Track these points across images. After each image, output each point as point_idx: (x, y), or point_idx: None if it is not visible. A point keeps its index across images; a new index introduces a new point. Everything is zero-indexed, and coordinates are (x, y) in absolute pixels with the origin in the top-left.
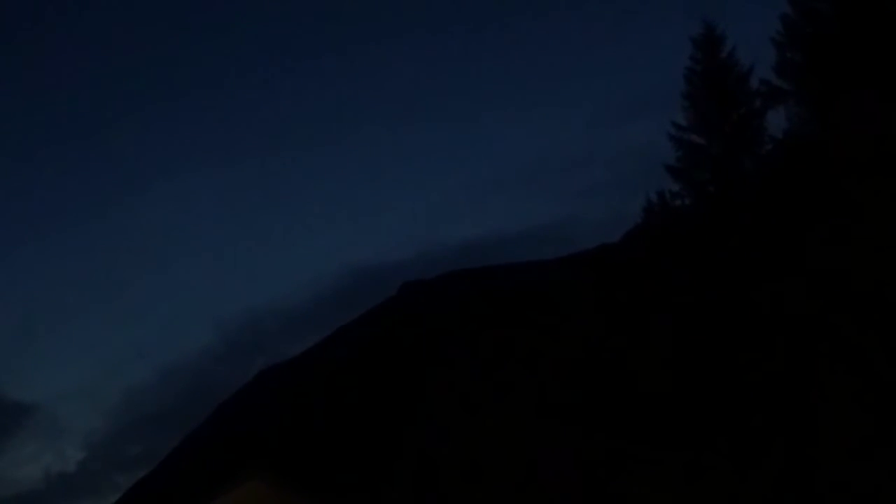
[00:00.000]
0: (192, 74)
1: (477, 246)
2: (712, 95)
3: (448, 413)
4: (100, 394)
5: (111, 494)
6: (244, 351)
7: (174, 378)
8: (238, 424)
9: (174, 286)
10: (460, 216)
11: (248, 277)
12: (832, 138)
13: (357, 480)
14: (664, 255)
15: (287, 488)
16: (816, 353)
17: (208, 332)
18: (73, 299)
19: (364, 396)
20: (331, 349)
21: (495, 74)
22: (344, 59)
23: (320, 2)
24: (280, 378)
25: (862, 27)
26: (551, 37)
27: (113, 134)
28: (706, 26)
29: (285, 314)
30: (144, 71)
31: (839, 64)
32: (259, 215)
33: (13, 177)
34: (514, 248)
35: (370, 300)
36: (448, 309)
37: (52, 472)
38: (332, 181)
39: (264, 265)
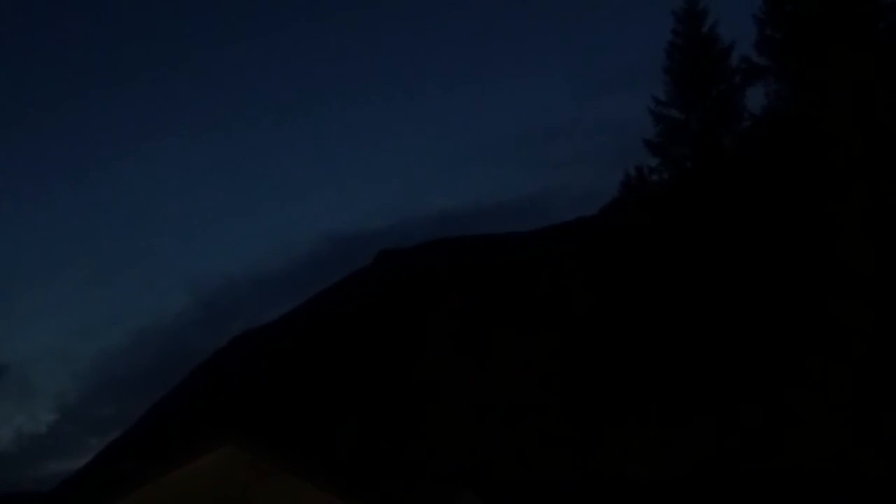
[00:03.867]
0: (175, 44)
1: (455, 215)
2: (693, 70)
3: (425, 382)
4: (72, 355)
5: (83, 456)
6: (219, 315)
7: (148, 341)
8: (212, 389)
9: (150, 250)
10: (439, 186)
11: (224, 242)
12: (810, 115)
13: (332, 444)
14: (641, 229)
15: (260, 452)
16: (795, 327)
17: (183, 295)
18: (46, 261)
19: (339, 363)
20: (306, 316)
21: (477, 46)
22: (326, 28)
23: None
24: (255, 343)
25: (842, 6)
26: (534, 9)
27: (92, 99)
28: (689, 1)
29: (261, 280)
30: (129, 38)
31: (819, 42)
32: (237, 181)
33: None
34: (493, 218)
35: (347, 267)
36: (425, 278)
37: (24, 433)
38: (310, 148)
39: (241, 230)
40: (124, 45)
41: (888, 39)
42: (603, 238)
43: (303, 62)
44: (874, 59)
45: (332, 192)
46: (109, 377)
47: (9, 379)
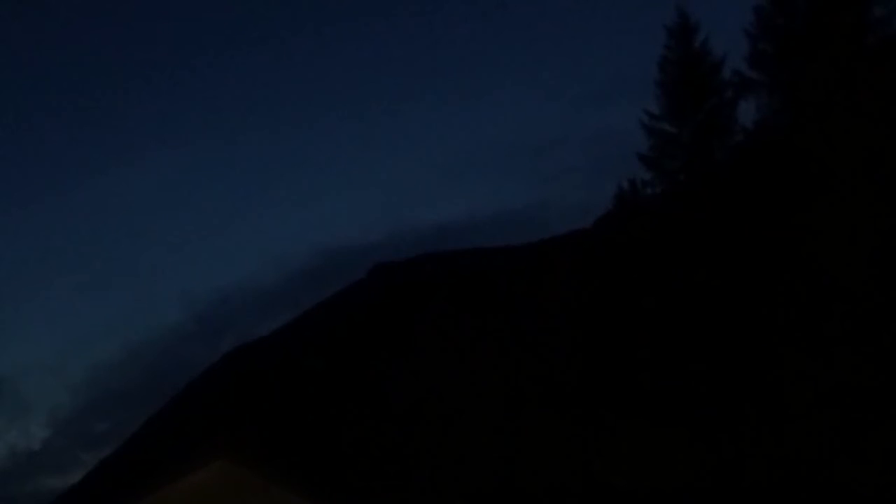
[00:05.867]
0: (167, 55)
1: (448, 228)
2: (685, 84)
3: (418, 397)
4: (66, 370)
5: (77, 472)
6: (214, 329)
7: (142, 355)
8: (206, 403)
9: (144, 262)
10: (432, 198)
11: (218, 256)
12: (802, 129)
13: (324, 459)
14: (635, 242)
15: (254, 468)
16: (784, 337)
17: (178, 309)
18: (39, 274)
19: (332, 378)
20: (300, 330)
21: (469, 58)
22: (318, 39)
23: None
24: (249, 358)
25: (833, 20)
26: (527, 21)
27: (85, 110)
28: (680, 15)
29: (255, 294)
30: (120, 49)
31: (810, 55)
32: (230, 194)
33: None
34: (486, 231)
35: (341, 281)
36: (418, 292)
37: (18, 449)
38: (303, 161)
39: (235, 244)
40: (117, 57)
41: (876, 53)
42: (597, 250)
43: (293, 75)
44: (862, 72)
45: (324, 205)
46: (103, 392)
47: (2, 394)
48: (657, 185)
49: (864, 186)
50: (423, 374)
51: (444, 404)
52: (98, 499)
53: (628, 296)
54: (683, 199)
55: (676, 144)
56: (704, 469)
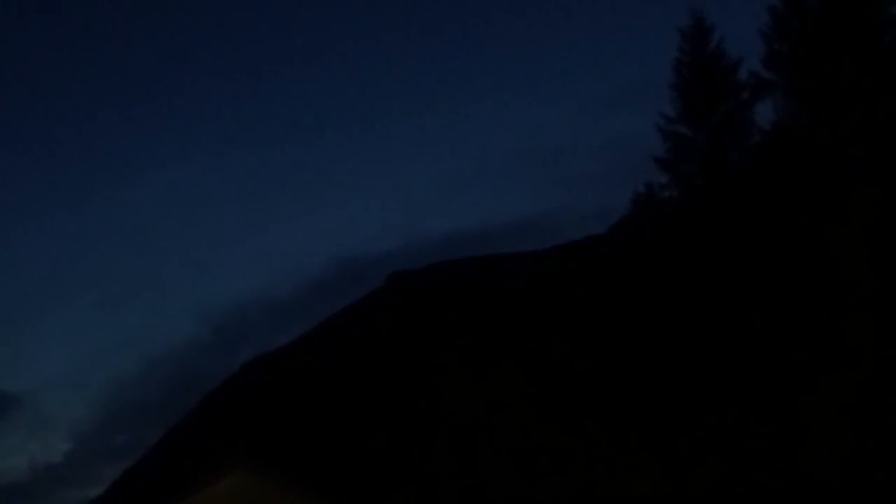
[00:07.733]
0: (181, 71)
1: (464, 237)
2: (700, 87)
3: (435, 405)
4: (86, 384)
5: (98, 485)
6: (230, 341)
7: (160, 368)
8: (224, 415)
9: (161, 276)
10: (447, 207)
11: (234, 268)
12: (819, 130)
13: (341, 471)
14: (651, 247)
15: (273, 478)
16: (800, 341)
17: (195, 322)
18: (58, 289)
19: (350, 387)
20: (317, 340)
21: (482, 65)
22: (330, 53)
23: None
24: (266, 368)
25: (848, 20)
26: (539, 27)
27: (100, 126)
28: (695, 17)
29: (271, 304)
30: (135, 65)
31: (826, 56)
32: (245, 206)
33: None
34: (501, 238)
35: (357, 291)
36: (434, 300)
37: (39, 462)
38: (318, 172)
39: (251, 255)
40: (129, 71)
41: (892, 52)
42: (613, 256)
43: (307, 88)
44: (879, 72)
45: (339, 215)
46: (123, 404)
47: (23, 409)
48: (674, 188)
49: (881, 187)
50: (440, 383)
51: (461, 412)
52: None
53: (645, 300)
54: (700, 202)
55: (692, 147)
56: (719, 479)
